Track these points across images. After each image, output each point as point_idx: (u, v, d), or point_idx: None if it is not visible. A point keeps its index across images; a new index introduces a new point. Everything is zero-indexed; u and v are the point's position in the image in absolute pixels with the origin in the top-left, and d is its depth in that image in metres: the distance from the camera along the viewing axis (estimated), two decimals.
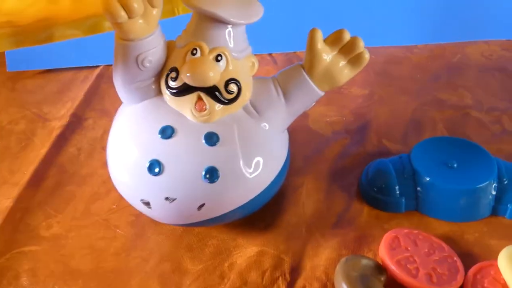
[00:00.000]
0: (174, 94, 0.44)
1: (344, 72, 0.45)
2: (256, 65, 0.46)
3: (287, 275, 0.46)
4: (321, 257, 0.48)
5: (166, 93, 0.44)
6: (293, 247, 0.49)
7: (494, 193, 0.51)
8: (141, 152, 0.44)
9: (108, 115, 0.68)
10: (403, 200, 0.52)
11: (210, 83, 0.42)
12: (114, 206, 0.54)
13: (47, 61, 0.80)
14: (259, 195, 0.45)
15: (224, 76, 0.43)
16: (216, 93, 0.43)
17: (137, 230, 0.51)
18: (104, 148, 0.48)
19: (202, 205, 0.43)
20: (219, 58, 0.43)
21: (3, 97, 0.75)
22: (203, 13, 0.43)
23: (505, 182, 0.51)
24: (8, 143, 0.64)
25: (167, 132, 0.43)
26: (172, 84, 0.44)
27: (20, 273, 0.47)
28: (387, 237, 0.47)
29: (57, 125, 0.67)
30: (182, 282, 0.46)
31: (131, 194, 0.46)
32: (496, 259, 0.44)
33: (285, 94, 0.46)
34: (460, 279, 0.43)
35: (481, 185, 0.50)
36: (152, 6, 0.40)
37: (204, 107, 0.43)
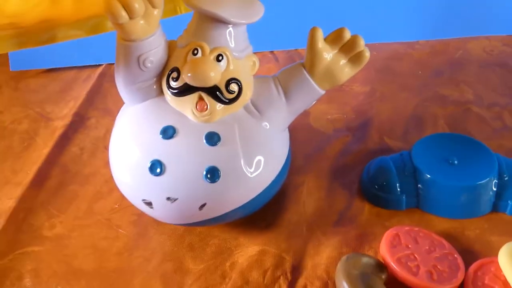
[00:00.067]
0: (175, 94, 0.44)
1: (345, 71, 0.46)
2: (257, 64, 0.46)
3: (288, 274, 0.46)
4: (322, 255, 0.48)
5: (167, 93, 0.44)
6: (294, 246, 0.49)
7: (494, 189, 0.51)
8: (142, 152, 0.44)
9: (111, 114, 0.68)
10: (404, 197, 0.52)
11: (211, 83, 0.42)
12: (116, 206, 0.54)
13: (50, 60, 0.80)
14: (260, 194, 0.45)
15: (225, 76, 0.43)
16: (217, 93, 0.43)
17: (139, 230, 0.51)
18: (106, 148, 0.48)
19: (204, 205, 0.43)
20: (220, 58, 0.43)
21: (6, 96, 0.74)
22: (203, 13, 0.43)
23: (506, 179, 0.51)
24: (10, 143, 0.64)
25: (168, 132, 0.43)
26: (173, 84, 0.44)
27: (23, 273, 0.47)
28: (388, 235, 0.47)
29: (59, 124, 0.67)
30: (184, 282, 0.46)
31: (133, 194, 0.46)
32: (496, 255, 0.44)
33: (286, 93, 0.46)
34: (460, 276, 0.43)
35: (481, 182, 0.50)
36: (153, 6, 0.41)
37: (205, 107, 0.43)
